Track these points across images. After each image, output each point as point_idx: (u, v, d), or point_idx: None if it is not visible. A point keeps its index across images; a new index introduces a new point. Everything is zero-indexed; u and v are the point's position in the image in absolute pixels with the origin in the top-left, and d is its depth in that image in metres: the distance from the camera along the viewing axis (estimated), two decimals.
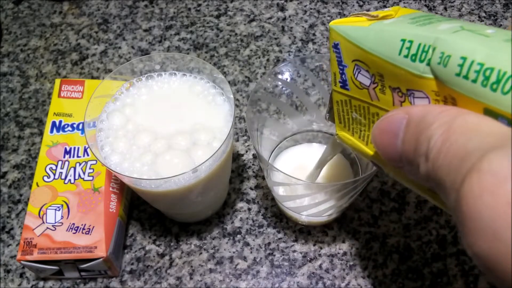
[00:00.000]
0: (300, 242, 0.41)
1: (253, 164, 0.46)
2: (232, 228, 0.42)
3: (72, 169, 0.40)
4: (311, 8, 0.57)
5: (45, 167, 0.40)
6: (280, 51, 0.53)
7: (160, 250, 0.41)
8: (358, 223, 0.42)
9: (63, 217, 0.38)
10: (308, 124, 0.42)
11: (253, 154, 0.46)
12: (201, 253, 0.41)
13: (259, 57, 0.53)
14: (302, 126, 0.42)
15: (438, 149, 0.17)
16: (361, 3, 0.57)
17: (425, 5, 0.57)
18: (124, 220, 0.41)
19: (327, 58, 0.37)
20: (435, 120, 0.18)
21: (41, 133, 0.48)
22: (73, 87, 0.43)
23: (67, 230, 0.37)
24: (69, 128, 0.42)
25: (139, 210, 0.43)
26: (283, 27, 0.55)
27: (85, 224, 0.37)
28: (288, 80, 0.38)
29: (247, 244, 0.41)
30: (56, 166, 0.40)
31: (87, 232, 0.37)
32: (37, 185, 0.39)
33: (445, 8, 0.57)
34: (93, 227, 0.37)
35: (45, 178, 0.39)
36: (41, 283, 0.40)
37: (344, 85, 0.26)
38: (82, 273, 0.39)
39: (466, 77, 0.17)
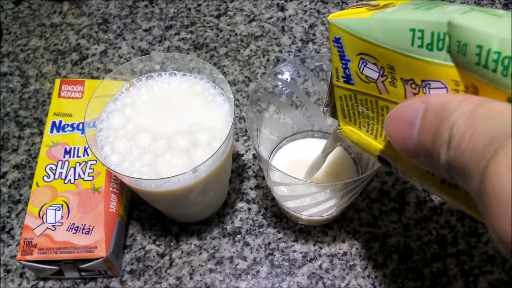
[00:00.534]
0: (300, 242, 0.41)
1: (253, 164, 0.46)
2: (232, 228, 0.42)
3: (72, 169, 0.40)
4: (311, 8, 0.57)
5: (45, 167, 0.40)
6: (280, 51, 0.53)
7: (160, 250, 0.41)
8: (358, 223, 0.42)
9: (63, 217, 0.38)
10: (308, 124, 0.42)
11: (253, 154, 0.46)
12: (201, 253, 0.41)
13: (259, 57, 0.53)
14: (302, 126, 0.42)
15: (461, 135, 0.16)
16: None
17: None
18: (124, 220, 0.41)
19: (327, 58, 0.37)
20: (457, 108, 0.17)
21: (41, 133, 0.48)
22: (73, 87, 0.43)
23: (67, 230, 0.37)
24: (69, 128, 0.42)
25: (139, 210, 0.43)
26: (283, 27, 0.55)
27: (85, 224, 0.37)
28: (288, 80, 0.38)
29: (247, 244, 0.41)
30: (56, 166, 0.40)
31: (87, 232, 0.37)
32: (37, 185, 0.39)
33: None
34: (93, 227, 0.37)
35: (45, 178, 0.39)
36: (41, 283, 0.40)
37: (348, 79, 0.25)
38: (82, 273, 0.39)
39: (486, 66, 0.16)
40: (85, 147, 0.41)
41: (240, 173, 0.45)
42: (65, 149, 0.41)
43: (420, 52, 0.19)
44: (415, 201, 0.43)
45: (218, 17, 0.56)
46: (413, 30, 0.19)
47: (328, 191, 0.33)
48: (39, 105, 0.50)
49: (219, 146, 0.32)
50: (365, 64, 0.23)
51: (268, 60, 0.52)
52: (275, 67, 0.37)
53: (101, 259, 0.36)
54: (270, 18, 0.56)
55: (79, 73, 0.53)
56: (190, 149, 0.34)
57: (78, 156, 0.41)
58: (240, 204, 0.43)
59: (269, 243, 0.41)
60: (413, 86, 0.21)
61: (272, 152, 0.42)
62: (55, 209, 0.38)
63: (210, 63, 0.40)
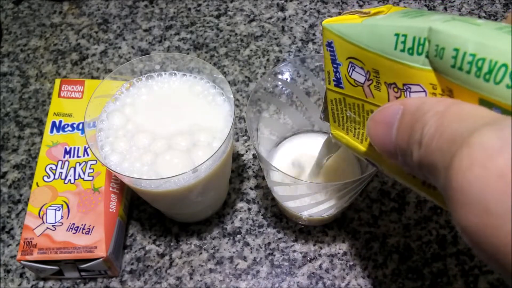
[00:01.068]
0: (300, 242, 0.41)
1: (253, 164, 0.46)
2: (232, 228, 0.42)
3: (72, 169, 0.40)
4: (311, 8, 0.57)
5: (45, 167, 0.40)
6: (280, 51, 0.53)
7: (160, 250, 0.41)
8: (358, 223, 0.42)
9: (63, 217, 0.38)
10: (308, 124, 0.42)
11: (253, 154, 0.46)
12: (201, 253, 0.41)
13: (259, 57, 0.53)
14: (302, 126, 0.42)
15: (432, 134, 0.17)
16: (361, 3, 0.57)
17: (425, 5, 0.57)
18: (124, 220, 0.41)
19: None
20: (430, 109, 0.18)
21: (41, 133, 0.48)
22: (73, 87, 0.43)
23: (67, 230, 0.37)
24: (69, 128, 0.42)
25: (139, 210, 0.43)
26: (283, 27, 0.55)
27: (85, 224, 0.37)
28: (288, 80, 0.38)
29: (247, 244, 0.41)
30: (56, 166, 0.40)
31: (87, 232, 0.37)
32: (37, 185, 0.39)
33: (445, 8, 0.57)
34: (93, 227, 0.37)
35: (45, 178, 0.39)
36: (41, 283, 0.40)
37: (338, 83, 0.26)
38: (82, 273, 0.39)
39: (460, 68, 0.17)
40: (85, 147, 0.41)
41: (240, 173, 0.45)
42: (65, 149, 0.41)
43: (402, 56, 0.20)
44: (415, 201, 0.43)
45: (218, 17, 0.56)
46: (397, 34, 0.20)
47: (328, 191, 0.33)
48: (39, 105, 0.50)
49: (219, 146, 0.32)
50: (353, 68, 0.24)
51: (268, 60, 0.52)
52: (275, 67, 0.37)
53: (101, 259, 0.36)
54: (270, 18, 0.56)
55: (79, 73, 0.53)
56: (190, 149, 0.34)
57: (78, 156, 0.41)
58: (240, 204, 0.43)
59: (269, 243, 0.41)
60: (396, 90, 0.22)
61: (271, 151, 0.41)
62: (55, 209, 0.38)
63: (210, 63, 0.40)
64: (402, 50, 0.20)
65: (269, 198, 0.44)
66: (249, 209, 0.43)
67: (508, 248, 0.14)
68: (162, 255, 0.41)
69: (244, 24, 0.56)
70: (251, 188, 0.44)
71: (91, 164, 0.40)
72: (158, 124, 0.36)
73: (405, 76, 0.20)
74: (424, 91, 0.20)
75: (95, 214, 0.38)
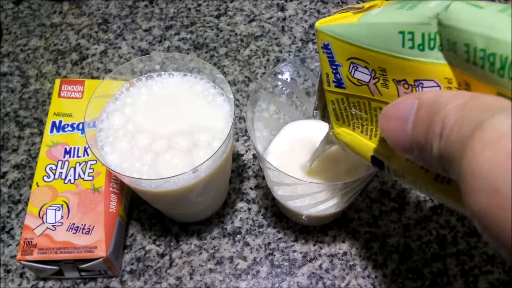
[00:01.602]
0: (300, 242, 0.41)
1: (253, 164, 0.46)
2: (232, 228, 0.42)
3: (72, 169, 0.40)
4: (311, 8, 0.57)
5: (45, 167, 0.40)
6: (280, 51, 0.53)
7: (160, 250, 0.41)
8: (358, 223, 0.42)
9: (63, 217, 0.38)
10: None
11: (253, 154, 0.46)
12: (201, 253, 0.41)
13: (259, 57, 0.53)
14: None
15: (452, 126, 0.17)
16: (361, 3, 0.57)
17: None
18: (124, 220, 0.41)
19: None
20: (450, 102, 0.18)
21: (41, 133, 0.48)
22: (73, 87, 0.43)
23: (67, 230, 0.37)
24: (69, 128, 0.42)
25: (139, 210, 0.43)
26: (283, 27, 0.55)
27: (85, 224, 0.37)
28: (288, 80, 0.38)
29: (247, 244, 0.41)
30: (56, 166, 0.40)
31: (87, 232, 0.37)
32: (37, 185, 0.39)
33: None
34: (93, 227, 0.37)
35: (45, 178, 0.39)
36: (41, 283, 0.40)
37: (339, 84, 0.25)
38: (82, 273, 0.39)
39: (474, 63, 0.16)
40: (85, 147, 0.41)
41: (240, 173, 0.45)
42: (65, 149, 0.41)
43: (411, 53, 0.19)
44: (415, 201, 0.43)
45: (218, 17, 0.56)
46: (402, 32, 0.19)
47: (328, 191, 0.33)
48: (39, 105, 0.50)
49: (219, 146, 0.32)
50: (355, 68, 0.23)
51: (268, 60, 0.52)
52: (275, 67, 0.37)
53: (101, 259, 0.36)
54: (270, 18, 0.56)
55: (79, 73, 0.53)
56: (190, 149, 0.34)
57: (78, 156, 0.41)
58: (240, 204, 0.43)
59: (269, 243, 0.41)
60: (406, 86, 0.21)
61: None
62: (55, 209, 0.38)
63: (210, 63, 0.40)
64: (411, 47, 0.19)
65: (269, 198, 0.44)
66: (249, 209, 0.43)
67: None
68: (162, 255, 0.41)
69: (244, 24, 0.56)
70: (251, 188, 0.44)
71: (91, 164, 0.40)
72: (158, 124, 0.36)
73: (417, 72, 0.20)
74: (439, 85, 0.19)
75: (95, 214, 0.38)
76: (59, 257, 0.36)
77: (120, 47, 0.54)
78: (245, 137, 0.47)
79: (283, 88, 0.38)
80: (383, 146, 0.24)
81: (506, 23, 0.16)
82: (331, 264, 0.40)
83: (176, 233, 0.42)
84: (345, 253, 0.41)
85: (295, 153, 0.38)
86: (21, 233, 0.40)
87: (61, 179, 0.39)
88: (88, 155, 0.41)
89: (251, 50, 0.53)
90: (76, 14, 0.58)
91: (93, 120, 0.35)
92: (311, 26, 0.55)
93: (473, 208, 0.15)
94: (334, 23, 0.23)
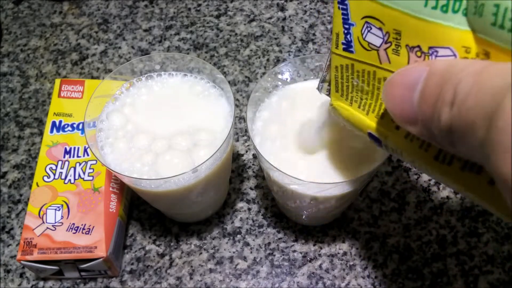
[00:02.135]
0: (300, 242, 0.41)
1: (253, 164, 0.46)
2: (232, 228, 0.42)
3: (72, 169, 0.40)
4: (311, 8, 0.57)
5: (45, 167, 0.40)
6: (280, 51, 0.53)
7: (160, 250, 0.41)
8: (358, 223, 0.42)
9: (63, 217, 0.38)
10: None
11: (253, 154, 0.46)
12: (201, 253, 0.41)
13: (259, 57, 0.53)
14: None
15: (467, 91, 0.16)
16: None
17: None
18: (124, 220, 0.41)
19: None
20: (464, 68, 0.16)
21: (41, 133, 0.48)
22: (73, 87, 0.43)
23: (67, 230, 0.37)
24: (69, 128, 0.42)
25: (139, 210, 0.43)
26: (283, 27, 0.55)
27: (85, 224, 0.37)
28: (288, 80, 0.38)
29: (247, 244, 0.41)
30: (56, 166, 0.40)
31: (87, 232, 0.37)
32: (37, 185, 0.39)
33: None
34: (93, 227, 0.37)
35: (45, 178, 0.39)
36: (41, 283, 0.40)
37: (348, 47, 0.23)
38: (82, 273, 0.39)
39: (502, 26, 0.16)
40: (85, 147, 0.41)
41: (240, 173, 0.45)
42: (65, 149, 0.41)
43: (433, 14, 0.18)
44: (415, 201, 0.43)
45: (218, 17, 0.56)
46: None
47: (328, 190, 0.33)
48: (39, 105, 0.50)
49: (219, 146, 0.32)
50: (369, 28, 0.22)
51: (268, 60, 0.52)
52: (275, 67, 0.37)
53: (101, 259, 0.36)
54: (270, 18, 0.56)
55: (79, 73, 0.53)
56: (190, 149, 0.34)
57: (78, 156, 0.41)
58: (240, 204, 0.43)
59: (269, 243, 0.41)
60: (419, 53, 0.20)
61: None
62: (55, 209, 0.38)
63: (210, 63, 0.40)
64: (434, 7, 0.18)
65: (269, 198, 0.44)
66: (249, 209, 0.43)
67: None
68: (162, 255, 0.41)
69: (244, 24, 0.56)
70: (251, 188, 0.44)
71: (91, 164, 0.40)
72: (158, 124, 0.36)
73: (434, 37, 0.19)
74: (454, 54, 0.18)
75: (95, 214, 0.38)
76: (59, 257, 0.36)
77: (120, 47, 0.54)
78: (245, 137, 0.47)
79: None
80: (380, 123, 0.24)
81: None
82: (331, 264, 0.40)
83: (176, 233, 0.42)
84: (345, 253, 0.41)
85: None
86: (21, 233, 0.40)
87: (61, 179, 0.39)
88: (88, 155, 0.41)
89: (251, 50, 0.53)
90: (76, 14, 0.58)
91: (93, 120, 0.35)
92: (311, 26, 0.55)
93: (503, 171, 0.14)
94: None
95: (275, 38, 0.54)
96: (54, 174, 0.40)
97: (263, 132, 0.35)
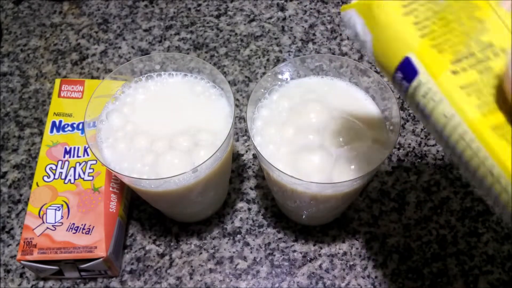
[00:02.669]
0: (300, 242, 0.41)
1: (253, 164, 0.46)
2: (232, 228, 0.42)
3: (72, 169, 0.40)
4: (311, 8, 0.57)
5: (45, 167, 0.40)
6: (280, 51, 0.53)
7: (160, 250, 0.41)
8: (358, 223, 0.42)
9: (63, 217, 0.38)
10: None
11: (253, 154, 0.46)
12: (201, 253, 0.41)
13: (259, 57, 0.53)
14: None
15: None
16: None
17: None
18: (124, 220, 0.41)
19: (327, 58, 0.37)
20: None
21: (41, 133, 0.48)
22: (73, 87, 0.43)
23: (67, 230, 0.37)
24: (69, 128, 0.42)
25: (139, 210, 0.43)
26: (283, 27, 0.55)
27: (85, 224, 0.37)
28: (288, 80, 0.38)
29: (247, 244, 0.41)
30: (56, 166, 0.40)
31: (87, 232, 0.37)
32: (37, 185, 0.39)
33: None
34: (93, 227, 0.37)
35: (45, 178, 0.39)
36: (41, 283, 0.40)
37: None
38: (82, 273, 0.39)
39: None
40: (85, 147, 0.41)
41: (240, 173, 0.45)
42: (65, 149, 0.41)
43: None
44: (415, 201, 0.43)
45: (218, 17, 0.56)
46: None
47: (328, 190, 0.33)
48: (39, 105, 0.50)
49: (219, 146, 0.32)
50: None
51: (268, 60, 0.52)
52: (275, 67, 0.37)
53: (101, 259, 0.36)
54: (270, 18, 0.56)
55: (79, 73, 0.53)
56: (190, 149, 0.34)
57: (78, 156, 0.41)
58: (240, 204, 0.43)
59: (269, 243, 0.41)
60: None
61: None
62: (55, 209, 0.38)
63: (210, 63, 0.40)
64: None
65: (269, 198, 0.44)
66: (249, 209, 0.43)
67: None
68: (162, 255, 0.41)
69: (244, 24, 0.56)
70: (251, 188, 0.44)
71: (91, 164, 0.40)
72: (158, 124, 0.36)
73: None
74: None
75: (95, 214, 0.38)
76: (59, 257, 0.36)
77: (120, 47, 0.54)
78: (245, 137, 0.47)
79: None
80: (442, 58, 0.17)
81: None
82: (331, 264, 0.40)
83: (176, 233, 0.42)
84: (345, 253, 0.41)
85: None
86: (21, 233, 0.40)
87: (61, 179, 0.39)
88: (88, 155, 0.41)
89: (251, 50, 0.53)
90: (76, 14, 0.58)
91: (93, 120, 0.35)
92: (311, 26, 0.55)
93: None
94: None
95: (275, 38, 0.54)
96: (54, 174, 0.40)
97: (263, 132, 0.35)
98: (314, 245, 0.41)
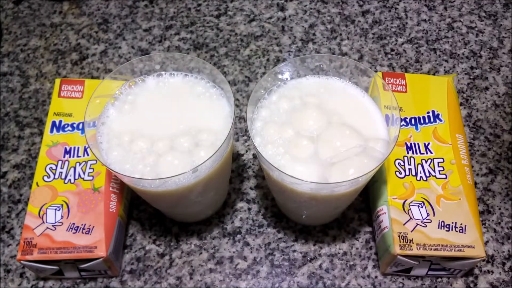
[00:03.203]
0: (300, 242, 0.41)
1: (253, 164, 0.46)
2: (232, 228, 0.42)
3: (72, 169, 0.40)
4: (311, 8, 0.57)
5: (45, 167, 0.40)
6: (280, 51, 0.53)
7: (160, 250, 0.41)
8: (358, 223, 0.42)
9: (63, 217, 0.38)
10: None
11: (253, 154, 0.46)
12: (201, 253, 0.41)
13: (259, 57, 0.53)
14: None
15: None
16: (361, 2, 0.57)
17: (425, 5, 0.57)
18: (124, 220, 0.41)
19: (327, 58, 0.37)
20: None
21: (41, 133, 0.48)
22: (73, 87, 0.43)
23: (67, 230, 0.37)
24: (69, 128, 0.42)
25: (139, 210, 0.43)
26: (283, 27, 0.55)
27: (85, 224, 0.37)
28: (288, 79, 0.38)
29: (247, 244, 0.41)
30: (56, 166, 0.40)
31: (87, 232, 0.37)
32: (37, 185, 0.39)
33: (445, 8, 0.56)
34: (93, 227, 0.37)
35: (45, 178, 0.39)
36: (41, 283, 0.40)
37: None
38: (82, 273, 0.39)
39: None
40: (85, 147, 0.41)
41: (240, 173, 0.45)
42: (65, 149, 0.41)
43: None
44: None
45: (218, 17, 0.56)
46: None
47: (328, 190, 0.33)
48: (39, 105, 0.50)
49: (219, 146, 0.32)
50: None
51: (268, 60, 0.52)
52: (275, 67, 0.37)
53: (101, 259, 0.36)
54: (270, 18, 0.56)
55: (79, 73, 0.53)
56: (191, 150, 0.34)
57: (78, 156, 0.41)
58: (240, 204, 0.43)
59: (269, 243, 0.41)
60: None
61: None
62: (55, 209, 0.38)
63: (210, 63, 0.40)
64: None
65: (269, 198, 0.44)
66: (249, 209, 0.43)
67: None
68: (162, 255, 0.41)
69: (244, 24, 0.56)
70: (251, 188, 0.44)
71: (91, 164, 0.40)
72: (158, 124, 0.36)
73: None
74: None
75: (95, 214, 0.38)
76: (59, 257, 0.36)
77: (120, 47, 0.54)
78: (245, 137, 0.47)
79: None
80: None
81: None
82: (331, 264, 0.40)
83: (176, 233, 0.42)
84: (345, 253, 0.41)
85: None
86: (21, 233, 0.40)
87: (61, 179, 0.39)
88: (88, 155, 0.41)
89: (251, 50, 0.53)
90: (76, 14, 0.58)
91: (93, 120, 0.35)
92: (311, 26, 0.55)
93: None
94: None
95: (275, 38, 0.54)
96: (54, 174, 0.40)
97: (263, 132, 0.35)
98: (314, 245, 0.41)
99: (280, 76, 0.38)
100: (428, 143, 0.40)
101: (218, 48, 0.54)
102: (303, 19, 0.56)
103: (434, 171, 0.39)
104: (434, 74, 0.51)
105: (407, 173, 0.39)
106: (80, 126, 0.42)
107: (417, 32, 0.54)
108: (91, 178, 0.39)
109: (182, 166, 0.33)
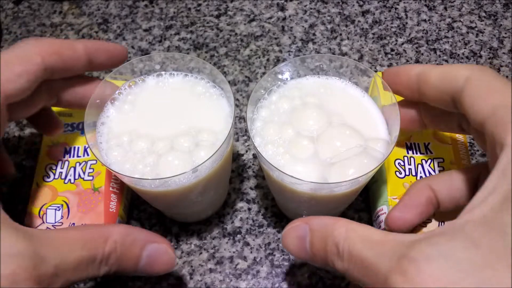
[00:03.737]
0: None
1: (253, 164, 0.46)
2: (232, 228, 0.42)
3: (72, 168, 0.40)
4: (311, 8, 0.57)
5: (45, 167, 0.40)
6: (280, 51, 0.53)
7: None
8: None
9: (63, 217, 0.38)
10: None
11: (253, 154, 0.46)
12: (201, 253, 0.41)
13: (259, 57, 0.53)
14: None
15: (348, 255, 0.23)
16: (361, 2, 0.57)
17: (425, 5, 0.57)
18: (124, 220, 0.41)
19: (327, 58, 0.37)
20: (334, 228, 0.25)
21: (41, 133, 0.48)
22: None
23: None
24: (69, 128, 0.42)
25: (139, 210, 0.43)
26: (283, 27, 0.55)
27: (85, 224, 0.37)
28: (288, 79, 0.38)
29: (247, 244, 0.41)
30: (56, 166, 0.40)
31: None
32: (37, 185, 0.39)
33: (445, 8, 0.57)
34: None
35: (45, 178, 0.39)
36: None
37: None
38: None
39: None
40: (85, 146, 0.41)
41: (240, 173, 0.45)
42: (65, 149, 0.41)
43: None
44: None
45: (218, 17, 0.56)
46: None
47: (328, 190, 0.33)
48: None
49: (219, 146, 0.32)
50: None
51: (268, 60, 0.53)
52: (275, 67, 0.37)
53: None
54: (270, 18, 0.56)
55: None
56: (191, 150, 0.34)
57: (78, 156, 0.41)
58: (240, 204, 0.43)
59: (269, 243, 0.41)
60: None
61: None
62: (55, 209, 0.38)
63: (210, 63, 0.40)
64: None
65: (269, 198, 0.44)
66: (249, 209, 0.43)
67: None
68: None
69: (244, 24, 0.56)
70: (251, 188, 0.44)
71: (91, 164, 0.40)
72: (158, 124, 0.36)
73: None
74: None
75: (95, 214, 0.38)
76: None
77: None
78: (245, 137, 0.47)
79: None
80: None
81: None
82: None
83: (176, 233, 0.42)
84: None
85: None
86: None
87: (61, 179, 0.39)
88: (88, 154, 0.41)
89: (251, 50, 0.53)
90: (76, 14, 0.58)
91: (93, 120, 0.35)
92: (311, 26, 0.55)
93: None
94: None
95: (275, 38, 0.54)
96: (54, 174, 0.40)
97: (263, 132, 0.35)
98: None
99: (280, 76, 0.38)
100: (428, 143, 0.40)
101: (218, 48, 0.54)
102: (303, 19, 0.56)
103: (434, 171, 0.39)
104: None
105: (407, 173, 0.39)
106: (80, 126, 0.42)
107: (417, 32, 0.54)
108: (91, 178, 0.39)
109: (182, 166, 0.33)
